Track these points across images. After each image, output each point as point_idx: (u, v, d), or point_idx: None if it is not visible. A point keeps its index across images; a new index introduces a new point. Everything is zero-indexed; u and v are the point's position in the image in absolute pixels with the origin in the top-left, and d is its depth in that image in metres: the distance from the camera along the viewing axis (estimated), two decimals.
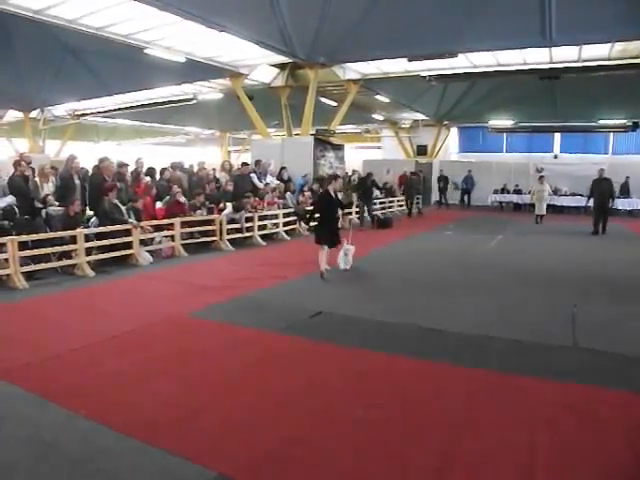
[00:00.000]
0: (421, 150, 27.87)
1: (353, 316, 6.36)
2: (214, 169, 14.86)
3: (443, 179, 25.89)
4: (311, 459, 3.20)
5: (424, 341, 5.52)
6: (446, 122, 27.15)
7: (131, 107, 23.39)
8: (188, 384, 4.29)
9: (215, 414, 3.77)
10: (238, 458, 3.19)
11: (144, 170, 12.52)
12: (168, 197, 11.17)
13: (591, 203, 15.34)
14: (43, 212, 9.13)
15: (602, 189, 15.00)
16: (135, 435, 3.41)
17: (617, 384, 4.32)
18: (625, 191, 22.08)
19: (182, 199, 11.06)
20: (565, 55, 15.04)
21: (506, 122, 25.54)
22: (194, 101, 21.60)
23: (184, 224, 10.53)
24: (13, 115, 24.54)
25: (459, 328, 5.88)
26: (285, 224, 13.33)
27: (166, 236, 10.31)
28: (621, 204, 21.49)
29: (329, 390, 4.25)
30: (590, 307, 6.87)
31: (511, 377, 4.50)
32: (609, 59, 14.86)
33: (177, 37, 13.56)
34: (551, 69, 15.87)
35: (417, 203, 21.73)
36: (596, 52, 14.66)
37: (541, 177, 18.55)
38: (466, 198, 25.80)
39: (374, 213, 16.93)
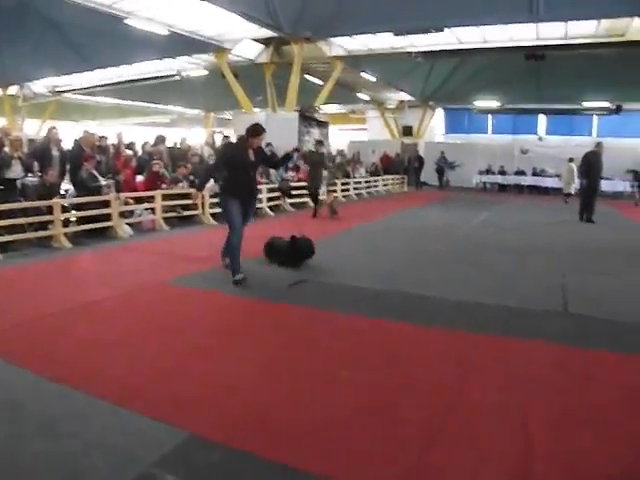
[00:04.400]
0: (407, 131, 27.73)
1: (337, 283, 6.27)
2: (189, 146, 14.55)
3: (418, 159, 25.64)
4: (293, 420, 3.08)
5: (413, 307, 5.43)
6: (431, 103, 27.09)
7: (113, 83, 22.98)
8: (165, 348, 4.13)
9: (191, 377, 3.62)
10: (213, 419, 3.06)
11: (124, 143, 12.33)
12: (148, 170, 10.97)
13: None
14: (19, 182, 8.89)
15: (598, 167, 12.73)
16: (106, 397, 3.25)
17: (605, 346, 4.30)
18: None
19: (160, 170, 10.81)
20: (551, 32, 14.99)
21: (491, 103, 25.51)
22: (177, 77, 21.27)
23: (165, 197, 10.33)
24: None
25: (449, 295, 5.82)
26: (269, 199, 13.16)
27: (147, 209, 10.12)
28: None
29: (313, 353, 4.14)
30: (578, 277, 6.87)
31: (502, 339, 4.44)
32: (595, 37, 14.83)
33: (159, 8, 13.26)
34: (537, 46, 15.80)
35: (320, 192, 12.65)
36: (582, 30, 14.63)
37: (571, 159, 17.73)
38: (441, 179, 25.67)
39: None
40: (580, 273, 7.15)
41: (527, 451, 2.76)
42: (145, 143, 12.87)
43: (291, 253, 7.02)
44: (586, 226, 12.40)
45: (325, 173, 13.00)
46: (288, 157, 7.00)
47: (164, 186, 10.53)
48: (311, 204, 12.81)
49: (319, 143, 13.44)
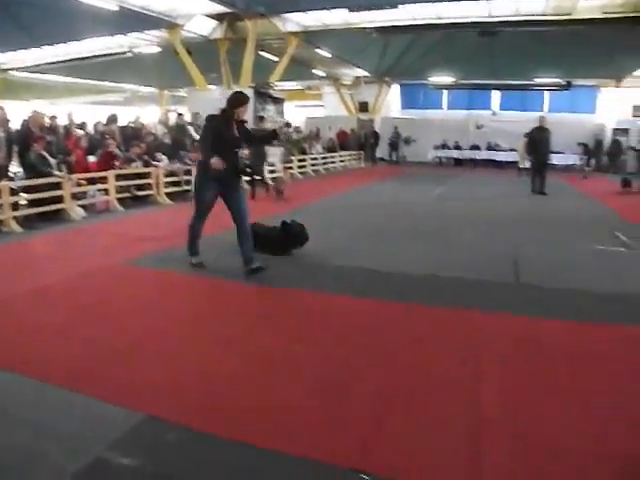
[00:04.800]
0: (363, 107, 27.78)
1: (296, 262, 6.36)
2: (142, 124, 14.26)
3: (374, 135, 25.93)
4: (249, 398, 3.10)
5: (370, 281, 5.56)
6: (387, 79, 27.14)
7: (63, 61, 22.16)
8: (120, 331, 4.10)
9: (146, 359, 3.61)
10: (170, 400, 3.05)
11: (75, 123, 12.06)
12: (101, 150, 10.76)
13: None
14: None
15: (544, 140, 13.18)
16: (60, 383, 3.20)
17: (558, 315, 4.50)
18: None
19: (114, 150, 10.61)
20: (503, 9, 15.25)
21: (446, 79, 25.72)
22: (129, 54, 20.68)
23: (119, 177, 10.16)
24: None
25: (405, 269, 5.97)
26: None
27: (100, 190, 9.95)
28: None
29: (270, 331, 4.19)
30: (529, 248, 7.16)
31: (458, 312, 4.57)
32: (544, 14, 15.15)
33: None
34: (489, 22, 16.03)
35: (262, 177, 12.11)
36: (532, 8, 14.94)
37: (526, 134, 18.01)
38: (394, 155, 26.11)
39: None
40: (531, 244, 7.46)
41: (480, 420, 2.86)
42: (97, 122, 12.62)
43: (283, 241, 6.48)
44: (538, 198, 12.83)
45: (279, 150, 12.90)
46: (275, 134, 6.75)
47: (117, 164, 10.36)
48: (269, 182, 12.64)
49: (260, 119, 12.51)
